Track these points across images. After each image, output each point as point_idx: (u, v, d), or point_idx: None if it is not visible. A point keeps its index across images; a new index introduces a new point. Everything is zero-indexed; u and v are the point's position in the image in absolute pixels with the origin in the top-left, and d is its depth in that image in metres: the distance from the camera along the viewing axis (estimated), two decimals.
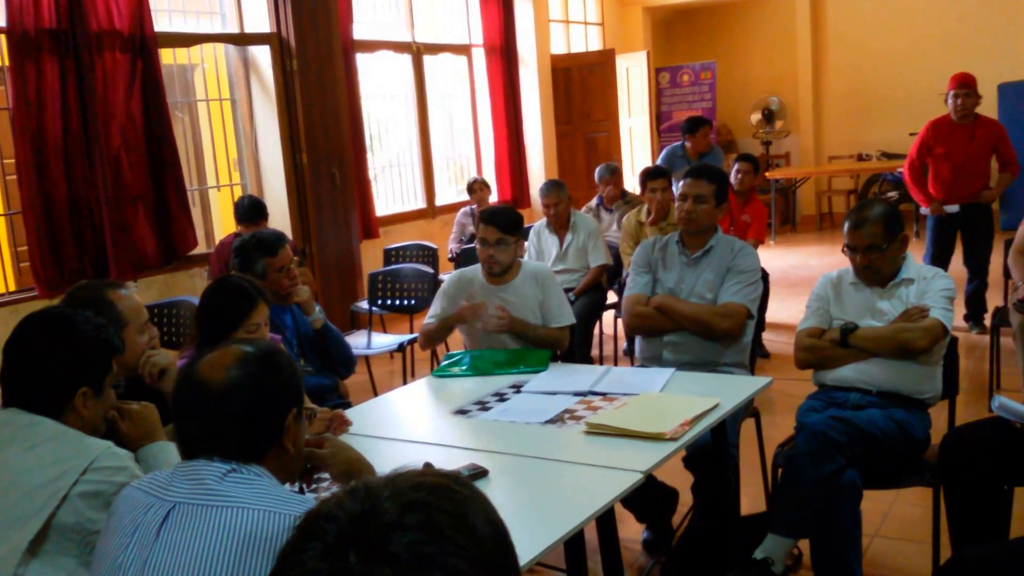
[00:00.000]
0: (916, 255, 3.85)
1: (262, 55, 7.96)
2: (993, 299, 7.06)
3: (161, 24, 7.19)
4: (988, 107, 7.14)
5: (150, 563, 1.72)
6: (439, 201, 10.35)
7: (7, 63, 6.09)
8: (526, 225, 6.89)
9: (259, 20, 7.91)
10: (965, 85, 6.90)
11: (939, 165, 7.04)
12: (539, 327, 4.20)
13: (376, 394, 5.44)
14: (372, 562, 0.94)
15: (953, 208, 6.99)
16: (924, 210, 7.20)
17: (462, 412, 3.48)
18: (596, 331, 6.83)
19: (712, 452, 3.49)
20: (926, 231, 7.31)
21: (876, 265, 3.64)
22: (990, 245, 7.05)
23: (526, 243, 6.84)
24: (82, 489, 2.16)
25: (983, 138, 6.92)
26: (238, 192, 8.08)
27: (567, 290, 6.23)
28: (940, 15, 12.69)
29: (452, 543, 0.97)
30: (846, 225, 3.72)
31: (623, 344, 7.14)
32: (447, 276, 4.62)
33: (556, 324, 4.24)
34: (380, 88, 9.93)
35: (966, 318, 7.17)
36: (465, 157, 11.20)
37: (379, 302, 6.51)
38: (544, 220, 6.84)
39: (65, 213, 6.28)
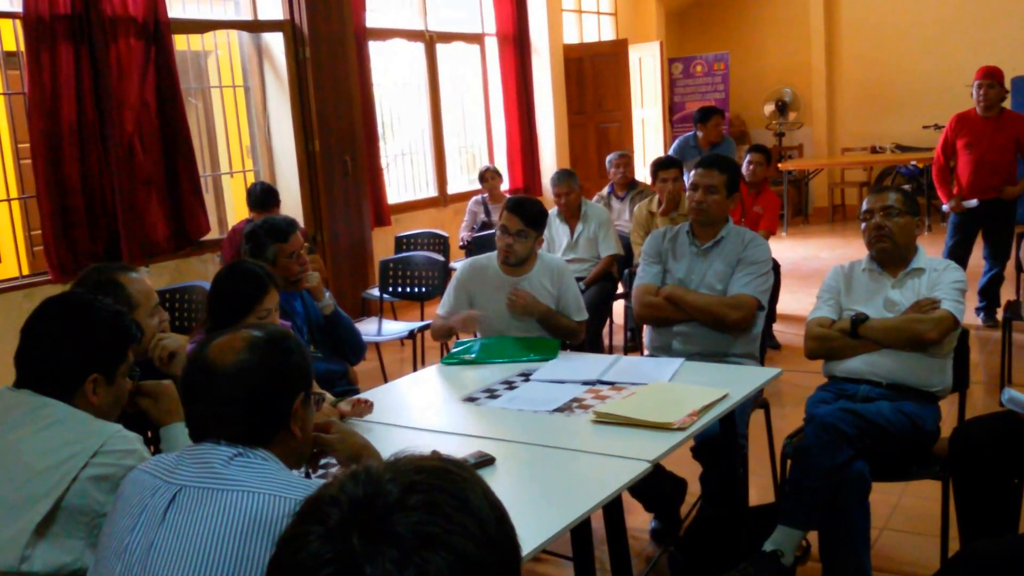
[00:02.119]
0: (929, 251, 3.84)
1: (275, 42, 7.97)
2: (1005, 293, 7.03)
3: (175, 10, 7.20)
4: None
5: (156, 545, 1.72)
6: (451, 189, 10.36)
7: (23, 49, 6.11)
8: None
9: (272, 7, 7.92)
10: (990, 75, 6.86)
11: (962, 158, 7.00)
12: (560, 314, 4.20)
13: (386, 380, 5.45)
14: (376, 543, 0.95)
15: (972, 203, 6.95)
16: (946, 207, 7.17)
17: (471, 400, 3.49)
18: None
19: (721, 442, 3.49)
20: (947, 226, 7.26)
21: (890, 230, 3.64)
22: (1011, 238, 6.99)
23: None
24: (91, 472, 2.17)
25: (1008, 132, 6.87)
26: (251, 178, 8.10)
27: (578, 279, 6.23)
28: (955, 7, 12.63)
29: (456, 523, 0.98)
30: (867, 198, 3.79)
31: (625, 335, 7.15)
32: (459, 264, 4.62)
33: (576, 318, 4.24)
34: (393, 76, 9.92)
35: (978, 310, 7.15)
36: (477, 146, 11.19)
37: (390, 289, 6.52)
38: (555, 209, 6.83)
39: (79, 198, 6.31)
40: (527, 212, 4.19)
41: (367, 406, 3.26)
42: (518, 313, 4.12)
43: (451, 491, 1.01)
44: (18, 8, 6.14)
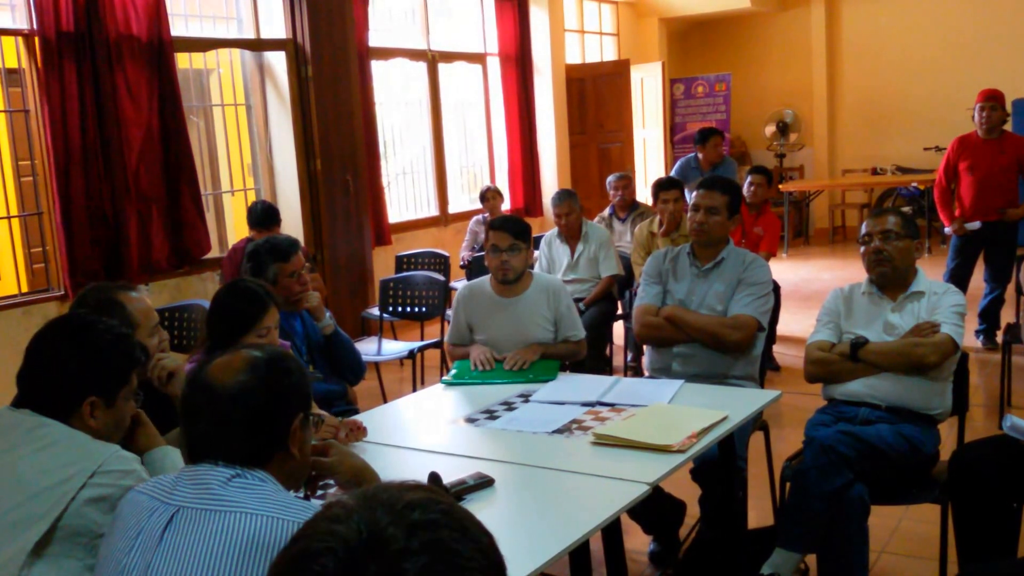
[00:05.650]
0: (930, 273, 3.84)
1: (278, 61, 7.99)
2: (1006, 315, 7.03)
3: (177, 29, 7.22)
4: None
5: (153, 567, 1.72)
6: (452, 209, 10.37)
7: (37, 66, 6.14)
8: (538, 234, 6.90)
9: (275, 26, 7.95)
10: (992, 98, 6.88)
11: (964, 180, 7.01)
12: (559, 344, 4.20)
13: (385, 401, 5.44)
14: None
15: (975, 225, 6.95)
16: (948, 229, 7.18)
17: (470, 420, 3.48)
18: None
19: (720, 465, 3.48)
20: (949, 248, 7.27)
21: (890, 254, 3.64)
22: (1012, 261, 6.98)
23: (536, 252, 6.84)
24: (89, 493, 2.16)
25: (1010, 153, 6.88)
26: (252, 197, 8.10)
27: (578, 300, 6.23)
28: (956, 30, 12.67)
29: (464, 557, 0.96)
30: (866, 222, 3.79)
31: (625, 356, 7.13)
32: (458, 286, 4.62)
33: (574, 337, 4.24)
34: (395, 95, 9.95)
35: (978, 333, 7.14)
36: (478, 165, 11.22)
37: (390, 309, 6.51)
38: (556, 230, 6.84)
39: (83, 215, 6.31)
40: (513, 226, 4.22)
41: (362, 431, 3.25)
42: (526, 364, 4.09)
43: (451, 525, 0.99)
44: (20, 25, 6.18)
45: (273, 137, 8.15)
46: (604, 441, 3.08)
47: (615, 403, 3.53)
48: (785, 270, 10.78)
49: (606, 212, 7.86)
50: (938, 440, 3.57)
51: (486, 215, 8.62)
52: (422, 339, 6.92)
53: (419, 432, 3.54)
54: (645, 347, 4.45)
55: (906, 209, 12.08)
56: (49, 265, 6.45)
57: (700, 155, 8.18)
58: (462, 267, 8.33)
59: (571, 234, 6.75)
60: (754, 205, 7.03)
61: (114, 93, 6.44)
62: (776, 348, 7.00)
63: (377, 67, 9.20)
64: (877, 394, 3.56)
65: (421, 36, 10.06)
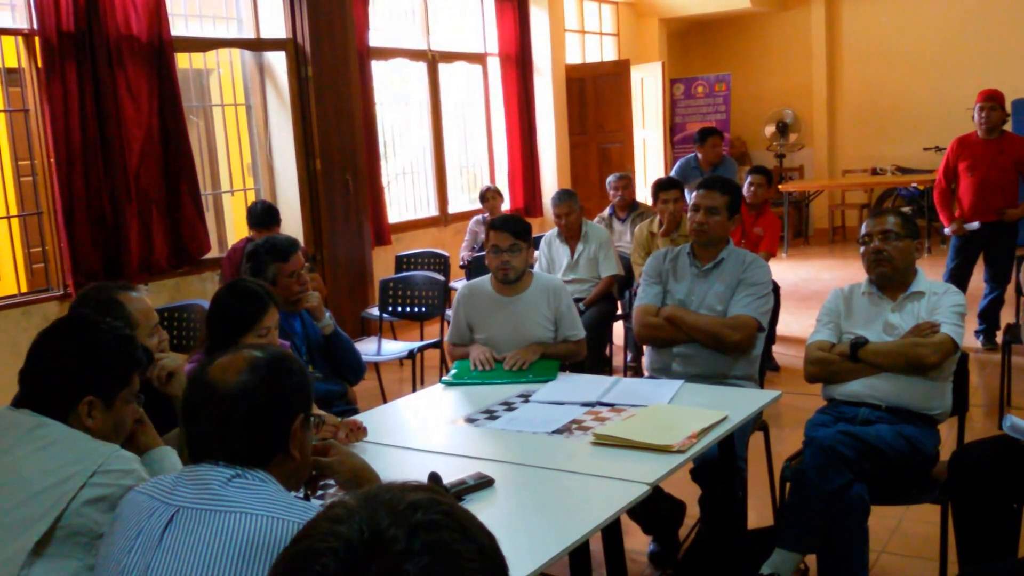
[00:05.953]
0: (930, 273, 3.84)
1: (278, 61, 7.99)
2: (1005, 316, 7.03)
3: (178, 28, 7.22)
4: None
5: (153, 567, 1.72)
6: (451, 209, 10.37)
7: (40, 66, 6.14)
8: (538, 234, 6.90)
9: (275, 26, 7.94)
10: (991, 99, 6.88)
11: (963, 180, 7.00)
12: (559, 344, 4.21)
13: (385, 401, 5.44)
14: None
15: (974, 226, 6.95)
16: (947, 229, 7.18)
17: (470, 421, 3.48)
18: None
19: (720, 465, 3.48)
20: (949, 248, 7.27)
21: (889, 254, 3.64)
22: (1012, 261, 6.98)
23: (536, 252, 6.84)
24: (89, 492, 2.15)
25: (1009, 154, 6.88)
26: (252, 197, 8.10)
27: (578, 300, 6.23)
28: (956, 30, 12.67)
29: (465, 558, 0.96)
30: (866, 222, 3.79)
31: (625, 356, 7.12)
32: (458, 286, 4.62)
33: (574, 337, 4.24)
34: (395, 95, 9.95)
35: (978, 333, 7.14)
36: (478, 165, 11.21)
37: (390, 309, 6.51)
38: (555, 230, 6.83)
39: (83, 216, 6.31)
40: (514, 226, 4.22)
41: (362, 431, 3.25)
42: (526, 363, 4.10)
43: (453, 526, 0.98)
44: (20, 25, 6.19)
45: (273, 137, 8.15)
46: (604, 441, 3.08)
47: (615, 403, 3.53)
48: (785, 270, 10.78)
49: (606, 212, 7.85)
50: (938, 440, 3.57)
51: (486, 215, 8.61)
52: (422, 339, 6.91)
53: (419, 432, 3.54)
54: (645, 347, 4.45)
55: (906, 209, 12.07)
56: (49, 265, 6.45)
57: (700, 155, 8.18)
58: (462, 267, 8.33)
59: (571, 234, 6.74)
60: (754, 205, 7.02)
61: (114, 93, 6.45)
62: (776, 348, 7.00)
63: (377, 67, 9.20)
64: (877, 394, 3.56)
65: (421, 36, 10.06)
